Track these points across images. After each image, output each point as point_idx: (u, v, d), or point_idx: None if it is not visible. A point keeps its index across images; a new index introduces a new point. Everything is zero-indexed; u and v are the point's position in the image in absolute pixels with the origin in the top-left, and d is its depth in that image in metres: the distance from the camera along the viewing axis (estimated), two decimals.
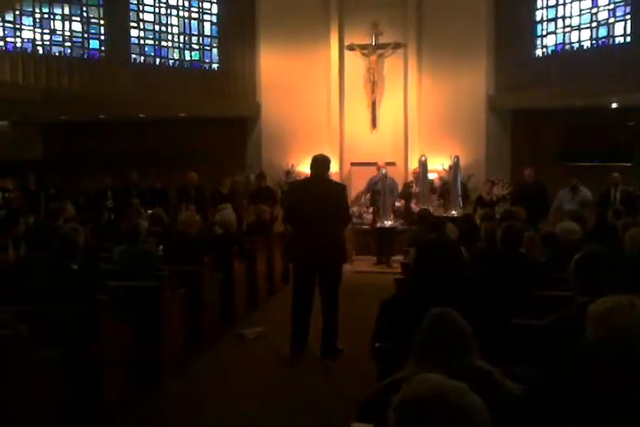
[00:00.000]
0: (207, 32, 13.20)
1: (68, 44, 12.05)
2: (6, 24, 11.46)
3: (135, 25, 12.52)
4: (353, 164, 12.38)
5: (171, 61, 12.91)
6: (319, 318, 5.50)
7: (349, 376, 4.87)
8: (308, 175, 6.04)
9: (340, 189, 5.81)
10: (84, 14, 12.18)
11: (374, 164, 10.84)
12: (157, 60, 12.77)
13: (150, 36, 12.71)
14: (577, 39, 11.57)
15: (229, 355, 5.51)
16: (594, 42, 11.31)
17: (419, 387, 1.38)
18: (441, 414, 1.32)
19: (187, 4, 13.01)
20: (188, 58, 13.06)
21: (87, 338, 3.81)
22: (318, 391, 4.58)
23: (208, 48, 13.21)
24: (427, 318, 2.23)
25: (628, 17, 10.81)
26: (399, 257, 8.95)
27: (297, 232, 5.60)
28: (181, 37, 13.00)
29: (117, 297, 4.17)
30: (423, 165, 10.44)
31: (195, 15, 13.10)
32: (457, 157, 10.47)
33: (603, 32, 11.22)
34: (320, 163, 5.64)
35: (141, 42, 12.62)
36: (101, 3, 12.26)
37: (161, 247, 6.16)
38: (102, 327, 3.94)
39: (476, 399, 1.36)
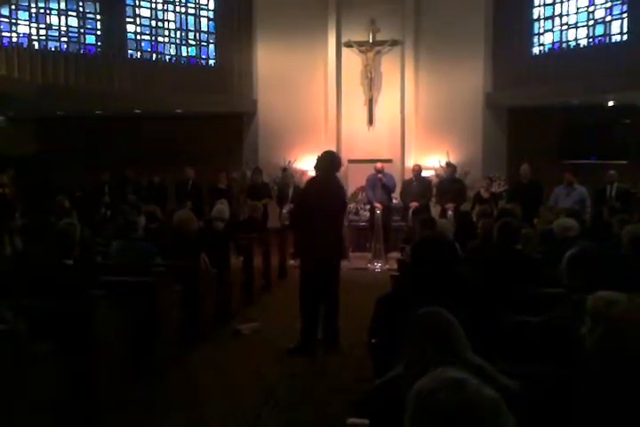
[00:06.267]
0: (204, 28, 13.18)
1: (64, 39, 12.01)
2: (2, 19, 11.41)
3: (132, 20, 12.49)
4: (350, 161, 12.37)
5: (167, 57, 12.87)
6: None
7: (346, 371, 4.88)
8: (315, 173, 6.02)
9: (343, 190, 5.88)
10: (81, 9, 12.14)
11: (371, 161, 10.83)
12: (154, 56, 12.73)
13: (147, 32, 12.68)
14: (574, 37, 11.59)
15: (225, 350, 5.52)
16: (590, 40, 11.33)
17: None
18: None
19: None
20: (184, 54, 13.03)
21: (82, 332, 3.80)
22: (315, 386, 4.59)
23: (205, 44, 13.19)
24: (414, 317, 2.24)
25: (625, 15, 10.84)
26: (396, 254, 8.96)
27: (305, 229, 5.58)
28: (178, 33, 12.97)
29: (113, 292, 4.16)
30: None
31: (191, 11, 13.07)
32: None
33: (599, 30, 11.24)
34: (323, 159, 5.64)
35: (138, 37, 12.59)
36: None
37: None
38: (97, 322, 3.93)
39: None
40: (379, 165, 10.24)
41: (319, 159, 5.67)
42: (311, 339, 5.44)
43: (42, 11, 11.85)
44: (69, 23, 12.06)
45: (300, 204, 5.93)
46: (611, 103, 11.23)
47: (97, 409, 3.92)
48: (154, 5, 12.72)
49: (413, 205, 9.91)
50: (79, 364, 3.73)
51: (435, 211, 10.05)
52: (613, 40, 11.00)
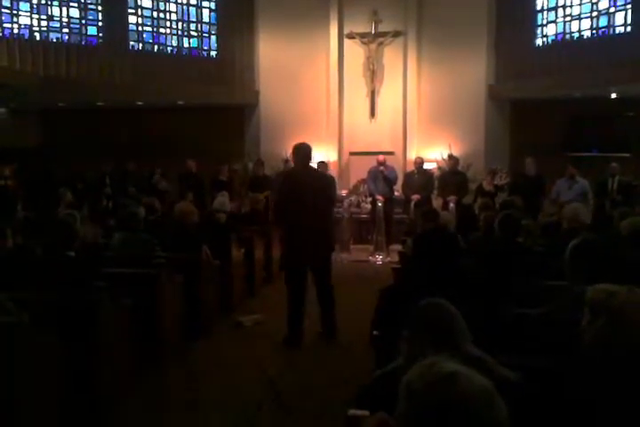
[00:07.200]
0: (206, 19, 13.13)
1: (65, 30, 11.98)
2: (3, 10, 11.37)
3: (133, 11, 12.45)
4: (352, 153, 12.37)
5: (169, 48, 12.84)
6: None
7: (347, 363, 4.89)
8: (293, 165, 5.96)
9: (331, 181, 5.81)
10: (82, 0, 12.09)
11: (373, 153, 10.81)
12: (155, 47, 12.70)
13: (148, 23, 12.64)
14: (577, 29, 11.53)
15: (227, 342, 5.54)
16: (594, 31, 11.27)
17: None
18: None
19: None
20: (186, 45, 12.99)
21: (86, 324, 3.82)
22: (316, 378, 4.61)
23: (206, 35, 13.15)
24: (416, 309, 2.24)
25: (629, 6, 10.77)
26: (397, 246, 8.96)
27: (289, 224, 5.55)
28: (180, 24, 12.93)
29: (115, 284, 4.17)
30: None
31: (193, 2, 13.02)
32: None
33: (603, 22, 11.18)
34: (302, 151, 5.54)
35: (139, 28, 12.55)
36: None
37: None
38: (100, 314, 3.95)
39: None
40: (380, 157, 10.22)
41: (295, 153, 5.58)
42: (296, 330, 5.46)
43: (43, 2, 11.81)
44: (71, 14, 12.03)
45: (279, 200, 5.82)
46: (614, 95, 11.18)
47: (101, 400, 3.94)
48: None
49: (415, 197, 9.89)
50: (82, 355, 3.74)
51: (436, 203, 10.04)
52: (617, 32, 10.94)
